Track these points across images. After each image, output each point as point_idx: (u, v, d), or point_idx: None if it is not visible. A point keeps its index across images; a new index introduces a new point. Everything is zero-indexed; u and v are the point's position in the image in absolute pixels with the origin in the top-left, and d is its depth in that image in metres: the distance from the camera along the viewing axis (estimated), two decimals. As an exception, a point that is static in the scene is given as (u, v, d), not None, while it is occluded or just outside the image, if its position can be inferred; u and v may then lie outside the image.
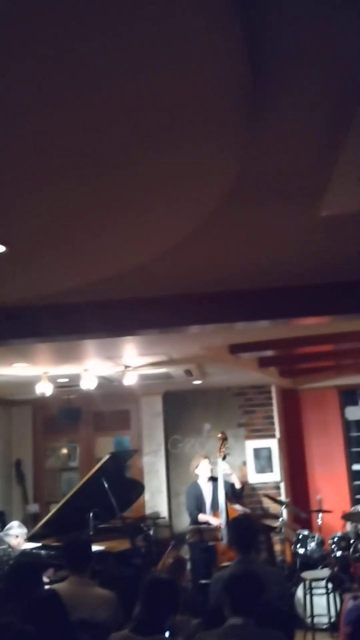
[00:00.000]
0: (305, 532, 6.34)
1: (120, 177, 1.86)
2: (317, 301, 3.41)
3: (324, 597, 5.51)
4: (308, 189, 2.15)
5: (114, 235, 2.37)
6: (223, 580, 3.03)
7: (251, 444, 7.77)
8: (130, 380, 5.60)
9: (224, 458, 6.51)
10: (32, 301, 3.39)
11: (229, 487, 6.48)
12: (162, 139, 1.66)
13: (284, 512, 6.70)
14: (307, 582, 5.59)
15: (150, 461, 7.79)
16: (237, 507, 6.39)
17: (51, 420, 7.50)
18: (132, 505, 6.87)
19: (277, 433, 7.81)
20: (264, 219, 2.47)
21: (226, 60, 1.39)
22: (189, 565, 5.82)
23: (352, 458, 8.33)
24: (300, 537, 6.29)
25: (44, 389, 5.46)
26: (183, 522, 7.34)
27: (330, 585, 5.52)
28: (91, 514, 5.67)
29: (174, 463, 7.87)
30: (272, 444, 7.75)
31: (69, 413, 6.81)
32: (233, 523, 4.18)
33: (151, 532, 6.58)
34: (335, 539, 6.14)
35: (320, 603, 5.55)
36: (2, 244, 2.32)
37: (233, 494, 6.53)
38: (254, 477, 7.69)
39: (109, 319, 3.47)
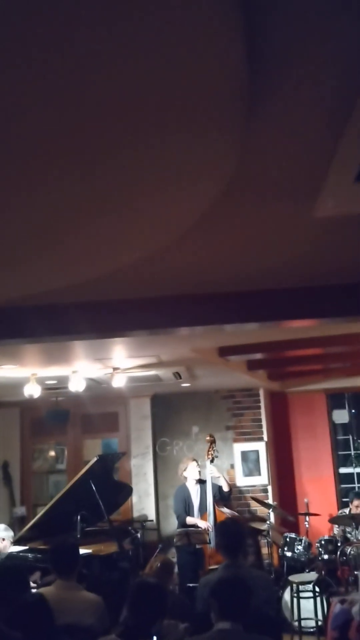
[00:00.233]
0: (293, 535, 6.34)
1: (112, 175, 1.84)
2: (307, 304, 3.41)
3: (311, 601, 5.52)
4: (301, 191, 2.14)
5: (104, 235, 2.35)
6: (210, 584, 3.02)
7: (239, 447, 7.77)
8: (118, 382, 5.57)
9: (212, 461, 6.52)
10: (19, 301, 3.36)
11: (217, 489, 6.48)
12: (155, 135, 1.64)
13: (272, 515, 6.70)
14: (295, 586, 5.59)
15: (139, 464, 7.76)
16: (225, 510, 6.39)
17: (39, 422, 7.45)
18: (119, 508, 6.85)
19: (265, 436, 7.82)
20: (255, 221, 2.46)
21: (223, 58, 1.38)
22: (176, 569, 5.80)
23: (339, 461, 8.36)
24: (288, 540, 6.30)
25: (32, 390, 5.42)
26: (171, 525, 7.32)
27: (317, 589, 5.52)
28: (79, 517, 5.64)
29: (162, 466, 7.85)
30: (260, 447, 7.76)
31: (57, 415, 6.77)
32: (221, 527, 4.18)
33: (139, 535, 6.55)
34: (322, 542, 6.16)
35: (307, 606, 5.55)
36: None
37: (221, 497, 6.52)
38: (242, 480, 7.68)
39: (97, 319, 3.44)
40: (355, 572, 5.41)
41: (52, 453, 8.42)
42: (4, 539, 5.22)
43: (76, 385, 5.39)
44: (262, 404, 7.88)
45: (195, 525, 6.26)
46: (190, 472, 6.61)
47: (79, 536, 5.53)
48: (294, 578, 5.69)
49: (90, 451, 7.87)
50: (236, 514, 6.68)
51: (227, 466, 7.72)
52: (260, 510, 7.33)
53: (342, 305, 3.40)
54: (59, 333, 3.49)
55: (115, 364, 5.24)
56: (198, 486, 6.56)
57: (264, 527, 6.56)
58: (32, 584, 4.17)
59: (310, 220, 2.35)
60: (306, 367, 6.73)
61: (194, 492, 6.57)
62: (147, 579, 3.55)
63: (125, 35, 1.25)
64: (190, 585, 5.44)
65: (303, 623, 5.51)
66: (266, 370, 6.79)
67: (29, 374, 5.32)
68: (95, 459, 5.99)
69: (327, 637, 4.63)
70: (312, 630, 5.53)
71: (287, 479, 8.22)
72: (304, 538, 6.27)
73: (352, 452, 8.40)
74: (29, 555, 5.47)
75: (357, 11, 1.32)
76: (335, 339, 4.95)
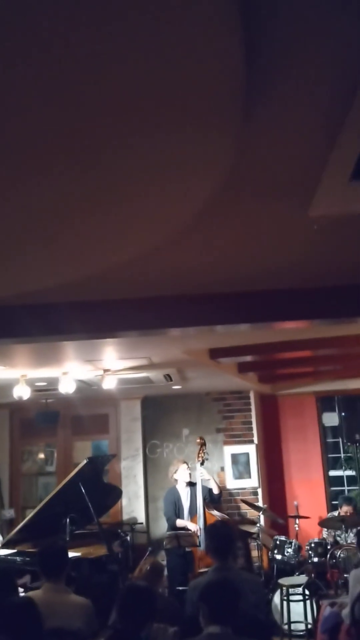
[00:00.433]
0: (283, 538, 6.33)
1: (107, 173, 1.83)
2: (303, 305, 3.41)
3: (301, 604, 5.51)
4: (296, 191, 2.13)
5: (98, 233, 2.33)
6: (200, 588, 2.99)
7: (229, 450, 7.76)
8: (109, 384, 5.54)
9: (202, 463, 6.50)
10: (9, 300, 3.33)
11: (207, 492, 6.47)
12: (152, 134, 1.63)
13: (262, 518, 6.68)
14: (284, 589, 5.57)
15: (129, 466, 7.73)
16: (215, 512, 6.38)
17: (29, 424, 7.40)
18: (109, 510, 6.81)
19: (256, 439, 7.81)
20: (250, 222, 2.45)
21: (222, 58, 1.37)
22: (166, 572, 5.77)
23: (328, 464, 8.38)
24: (278, 543, 6.29)
25: (22, 392, 5.37)
26: (161, 528, 7.29)
27: (307, 592, 5.51)
28: (68, 520, 5.60)
29: (152, 468, 7.82)
30: (251, 450, 7.75)
31: (47, 416, 6.73)
32: (210, 529, 4.14)
33: (128, 538, 6.52)
34: (312, 545, 6.15)
35: (297, 609, 5.54)
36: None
37: (211, 500, 6.51)
38: (232, 483, 7.67)
39: (89, 319, 3.42)
40: (345, 575, 5.40)
41: (42, 455, 8.37)
42: (-8, 542, 5.18)
43: (66, 387, 5.35)
44: (252, 407, 7.88)
45: (185, 528, 6.24)
46: (181, 475, 6.59)
47: (67, 539, 5.49)
48: (284, 581, 5.68)
49: (80, 453, 7.82)
50: (226, 516, 6.66)
51: (218, 469, 7.70)
52: (250, 512, 7.32)
53: (339, 307, 3.40)
54: (50, 333, 3.47)
55: (106, 366, 5.21)
56: (188, 489, 6.54)
57: (254, 529, 6.55)
58: (20, 588, 4.14)
59: (306, 221, 2.34)
60: (297, 370, 6.73)
61: (184, 494, 6.55)
62: (136, 582, 3.52)
63: (124, 36, 1.24)
64: (180, 588, 5.41)
65: (293, 626, 5.50)
66: (257, 373, 6.79)
67: (19, 375, 5.28)
68: (85, 461, 5.95)
69: (316, 641, 4.62)
70: (302, 633, 5.52)
71: (277, 482, 8.22)
72: (293, 541, 6.26)
73: (342, 455, 8.42)
74: (18, 558, 5.42)
75: (354, 14, 1.32)
76: (326, 342, 4.96)
